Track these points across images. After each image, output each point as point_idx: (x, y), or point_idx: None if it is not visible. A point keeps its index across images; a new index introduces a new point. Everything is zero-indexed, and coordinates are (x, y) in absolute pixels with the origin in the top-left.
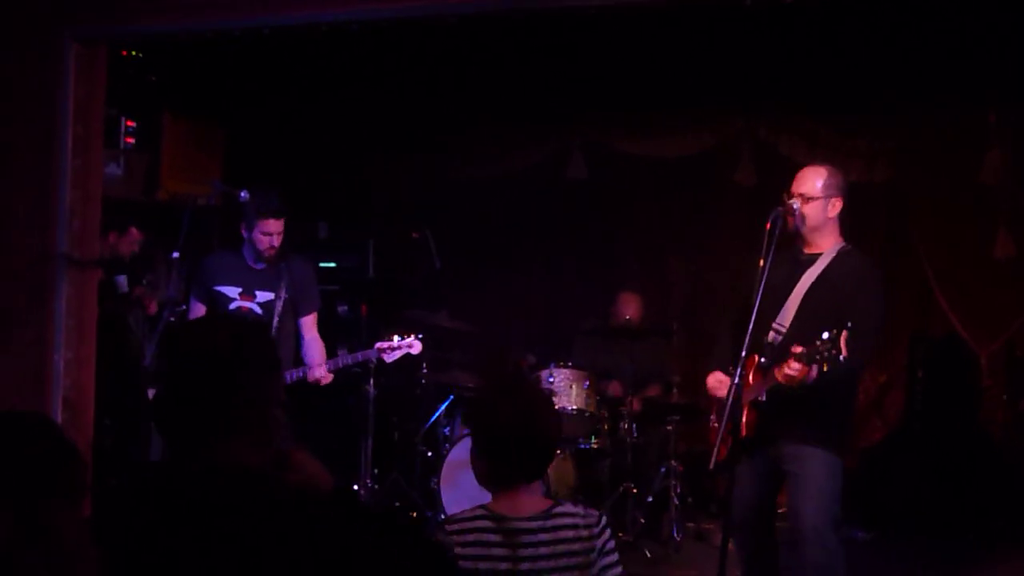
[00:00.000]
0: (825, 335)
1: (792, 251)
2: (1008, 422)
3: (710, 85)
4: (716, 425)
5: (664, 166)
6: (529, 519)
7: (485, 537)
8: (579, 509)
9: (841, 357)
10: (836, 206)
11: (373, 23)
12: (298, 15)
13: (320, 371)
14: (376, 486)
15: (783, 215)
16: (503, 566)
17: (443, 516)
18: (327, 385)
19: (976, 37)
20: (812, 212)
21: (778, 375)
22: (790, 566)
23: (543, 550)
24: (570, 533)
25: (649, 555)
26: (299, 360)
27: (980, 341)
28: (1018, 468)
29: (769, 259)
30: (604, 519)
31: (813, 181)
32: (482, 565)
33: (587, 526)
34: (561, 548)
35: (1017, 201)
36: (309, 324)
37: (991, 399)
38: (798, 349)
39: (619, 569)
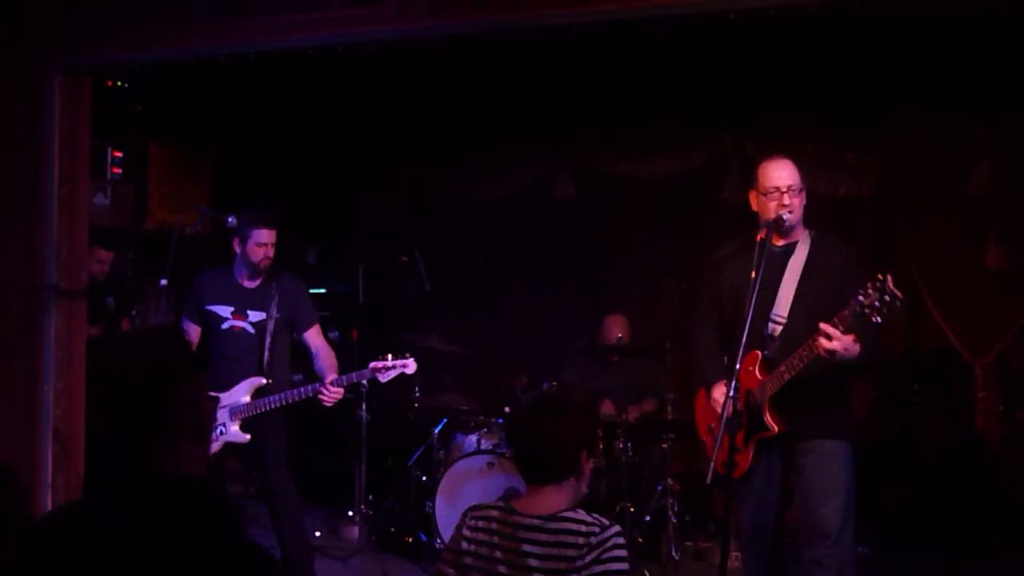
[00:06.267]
0: (868, 287)
1: (760, 247)
2: (1006, 433)
3: (697, 103)
4: (708, 438)
5: (653, 185)
6: (535, 518)
7: (490, 526)
8: (589, 518)
9: (898, 302)
10: (803, 194)
11: (358, 46)
12: (283, 40)
13: (331, 389)
14: (371, 512)
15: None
16: (497, 554)
17: (439, 541)
18: (319, 411)
19: (962, 49)
20: (801, 202)
21: (819, 349)
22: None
23: (537, 549)
24: (569, 539)
25: (648, 575)
26: (311, 375)
27: (974, 353)
28: (1017, 479)
29: (761, 270)
30: (611, 532)
31: (794, 171)
32: (483, 551)
33: (588, 534)
34: (554, 551)
35: (1006, 212)
36: (314, 335)
37: (987, 410)
38: (831, 321)
39: None
